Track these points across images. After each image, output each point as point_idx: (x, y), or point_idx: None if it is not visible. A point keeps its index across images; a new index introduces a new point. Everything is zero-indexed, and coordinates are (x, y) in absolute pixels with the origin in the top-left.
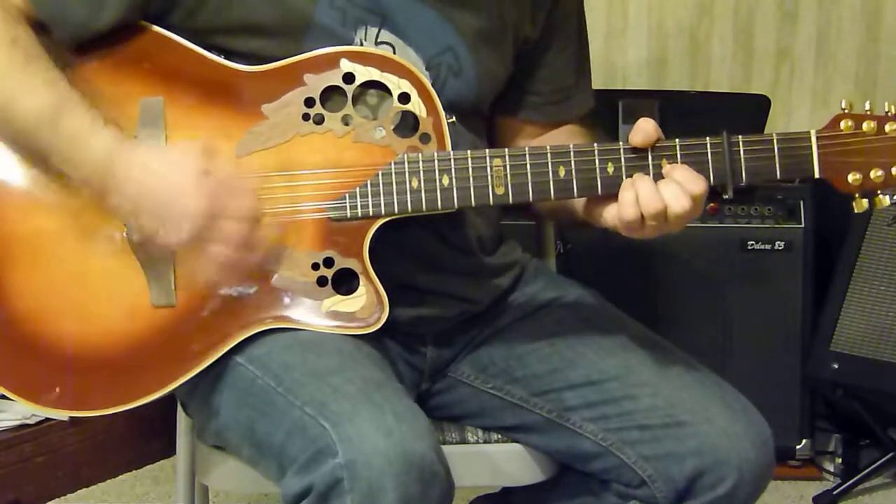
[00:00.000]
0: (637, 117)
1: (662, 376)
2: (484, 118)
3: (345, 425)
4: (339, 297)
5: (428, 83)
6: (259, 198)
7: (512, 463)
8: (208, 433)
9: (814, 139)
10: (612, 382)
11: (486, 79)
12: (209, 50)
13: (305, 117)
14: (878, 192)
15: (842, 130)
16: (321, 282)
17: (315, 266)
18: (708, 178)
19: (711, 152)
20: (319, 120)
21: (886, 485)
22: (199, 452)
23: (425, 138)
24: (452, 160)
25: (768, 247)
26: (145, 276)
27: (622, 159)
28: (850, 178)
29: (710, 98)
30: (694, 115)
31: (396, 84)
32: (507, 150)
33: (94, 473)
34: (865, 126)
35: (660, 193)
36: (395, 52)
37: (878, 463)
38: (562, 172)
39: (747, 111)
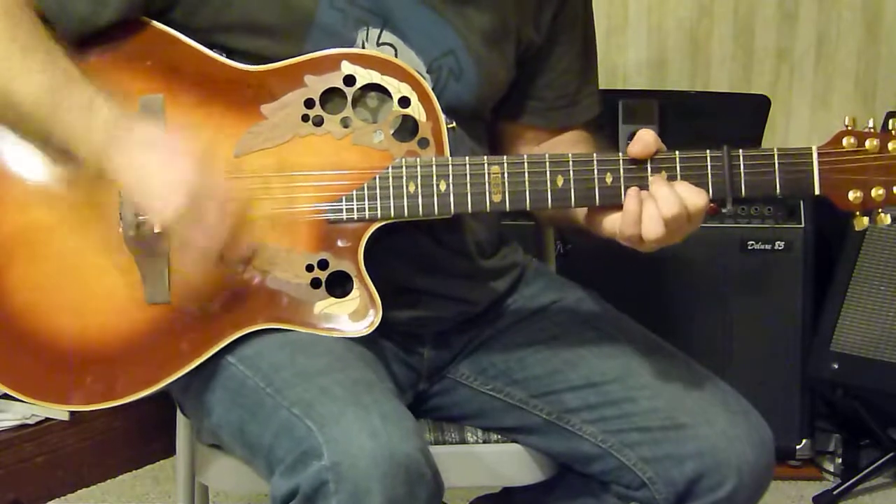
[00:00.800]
0: (637, 117)
1: (662, 378)
2: (485, 123)
3: (331, 426)
4: (332, 299)
5: (429, 88)
6: (256, 198)
7: (512, 463)
8: (205, 432)
9: (815, 155)
10: (613, 384)
11: (488, 83)
12: (210, 48)
13: (305, 118)
14: (880, 210)
15: (844, 147)
16: (315, 284)
17: (309, 268)
18: (707, 191)
19: (711, 165)
20: (319, 121)
21: (886, 485)
22: (198, 452)
23: (424, 143)
24: (450, 166)
25: (768, 247)
26: (140, 274)
27: (621, 170)
28: (851, 195)
29: (710, 98)
30: (694, 115)
31: (397, 88)
32: (505, 157)
33: (94, 473)
34: (868, 144)
35: (661, 217)
36: (396, 54)
37: (878, 463)
38: (560, 182)
39: (747, 111)
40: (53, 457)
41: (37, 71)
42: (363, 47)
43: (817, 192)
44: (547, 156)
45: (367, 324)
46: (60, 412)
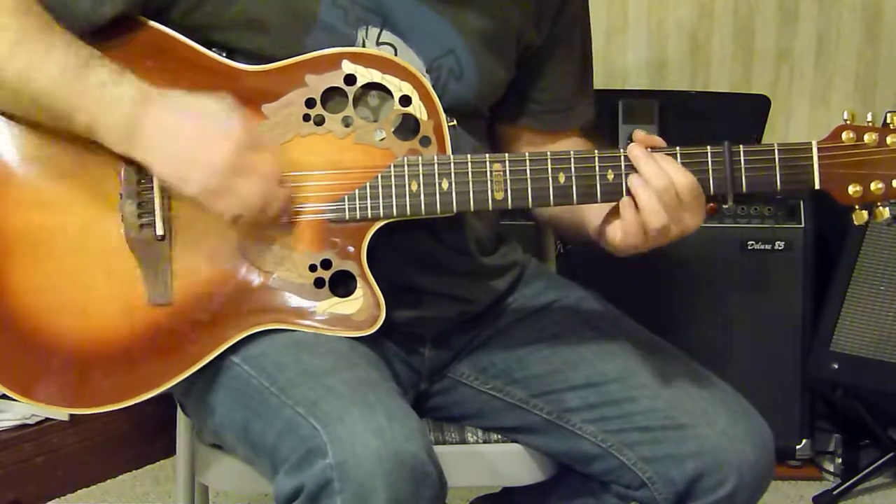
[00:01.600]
0: (637, 117)
1: (663, 378)
2: (485, 122)
3: (335, 425)
4: (336, 299)
5: (430, 86)
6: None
7: (512, 463)
8: (206, 432)
9: (815, 150)
10: (613, 384)
11: (487, 82)
12: (209, 47)
13: (306, 118)
14: (878, 203)
15: (843, 142)
16: (318, 283)
17: (312, 267)
18: (708, 186)
19: (712, 161)
20: (320, 121)
21: (886, 485)
22: (199, 452)
23: (425, 141)
24: (452, 164)
25: (768, 247)
26: (143, 275)
27: (622, 166)
28: (851, 189)
29: (710, 98)
30: (694, 116)
31: (398, 86)
32: (507, 154)
33: (94, 473)
34: (867, 138)
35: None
36: (396, 54)
37: (878, 463)
38: (561, 178)
39: (747, 111)
40: (53, 457)
41: (57, 53)
42: (363, 46)
43: (817, 186)
44: (549, 153)
45: (371, 323)
46: (60, 412)
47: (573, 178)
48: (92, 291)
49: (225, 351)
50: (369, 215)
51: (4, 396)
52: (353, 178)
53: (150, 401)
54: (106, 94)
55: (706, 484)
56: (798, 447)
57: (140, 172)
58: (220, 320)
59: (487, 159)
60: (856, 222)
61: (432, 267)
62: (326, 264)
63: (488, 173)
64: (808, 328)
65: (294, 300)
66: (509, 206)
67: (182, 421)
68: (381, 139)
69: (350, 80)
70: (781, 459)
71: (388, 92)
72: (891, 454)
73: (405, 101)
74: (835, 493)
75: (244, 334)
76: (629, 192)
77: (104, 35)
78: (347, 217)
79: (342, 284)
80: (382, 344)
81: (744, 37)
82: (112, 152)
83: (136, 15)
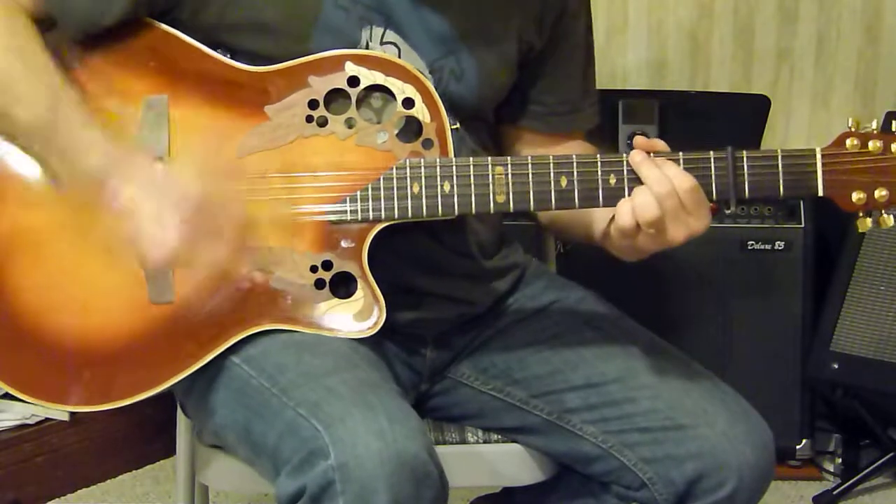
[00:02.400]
0: (637, 117)
1: (663, 379)
2: (488, 125)
3: (337, 427)
4: (336, 300)
5: (433, 89)
6: (259, 199)
7: (512, 463)
8: (207, 432)
9: (819, 157)
10: (613, 385)
11: (489, 84)
12: (214, 48)
13: (309, 119)
14: (883, 211)
15: (847, 148)
16: (319, 284)
17: (313, 268)
18: (710, 192)
19: (715, 167)
20: (323, 122)
21: (886, 485)
22: (199, 452)
23: (428, 144)
24: (454, 167)
25: (768, 247)
26: (144, 274)
27: (625, 171)
28: (854, 197)
29: (710, 98)
30: (694, 116)
31: (401, 89)
32: (509, 158)
33: (94, 473)
34: (871, 145)
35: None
36: (399, 53)
37: (878, 463)
38: (563, 182)
39: (747, 111)
40: (53, 457)
41: (36, 86)
42: (367, 47)
43: (821, 193)
44: (551, 157)
45: (371, 324)
46: (60, 412)
47: (575, 182)
48: (93, 290)
49: (225, 351)
50: (371, 217)
51: (5, 396)
52: (355, 179)
53: (150, 401)
54: (74, 140)
55: (706, 485)
56: (798, 447)
57: None
58: (221, 320)
59: (490, 162)
60: (859, 230)
61: (433, 269)
62: (327, 265)
63: (490, 176)
64: (808, 328)
65: (295, 301)
66: (511, 210)
67: (182, 421)
68: (384, 141)
69: (353, 81)
70: (781, 459)
71: (392, 94)
72: (891, 454)
73: (408, 103)
74: (835, 493)
75: (244, 334)
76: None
77: (107, 36)
78: (349, 218)
79: (343, 286)
80: (383, 345)
81: (744, 37)
82: None
83: (142, 17)
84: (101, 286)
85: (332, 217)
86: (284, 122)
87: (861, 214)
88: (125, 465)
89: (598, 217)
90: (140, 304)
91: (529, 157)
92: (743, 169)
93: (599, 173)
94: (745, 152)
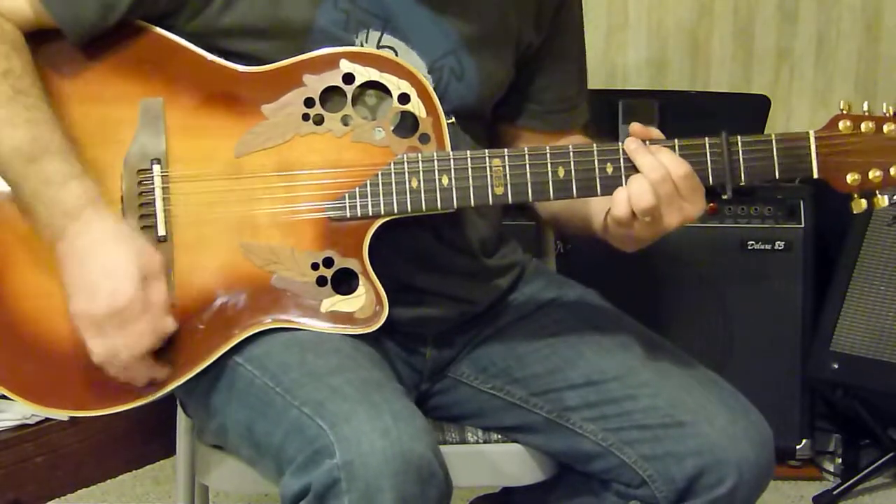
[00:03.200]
0: (637, 117)
1: (662, 376)
2: (485, 123)
3: (342, 426)
4: (338, 297)
5: (428, 84)
6: (258, 198)
7: (512, 463)
8: (208, 433)
9: (812, 139)
10: (613, 382)
11: (489, 83)
12: (210, 52)
13: (305, 118)
14: (877, 192)
15: (840, 131)
16: (320, 282)
17: (314, 266)
18: (707, 178)
19: (710, 152)
20: (319, 120)
21: (886, 485)
22: (199, 452)
23: (424, 138)
24: (452, 160)
25: (768, 247)
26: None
27: (621, 160)
28: (849, 178)
29: (710, 98)
30: (694, 116)
31: (396, 85)
32: (506, 150)
33: (94, 473)
34: (864, 126)
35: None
36: (396, 56)
37: (878, 463)
38: (561, 173)
39: (747, 111)
40: (53, 457)
41: (17, 132)
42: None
43: (815, 175)
44: (548, 148)
45: (374, 320)
46: (61, 413)
47: (572, 172)
48: None
49: (228, 351)
50: (370, 212)
51: (5, 396)
52: (353, 176)
53: (150, 402)
54: (46, 195)
55: (706, 481)
56: (798, 447)
57: (141, 174)
58: (223, 320)
59: (487, 155)
60: (854, 211)
61: (435, 266)
62: (328, 262)
63: (488, 168)
64: (808, 328)
65: (296, 299)
66: (509, 201)
67: (182, 421)
68: (381, 137)
69: (348, 79)
70: (781, 459)
71: (387, 90)
72: (891, 454)
73: (403, 98)
74: (835, 493)
75: (247, 334)
76: None
77: (103, 40)
78: (348, 215)
79: (344, 282)
80: (384, 344)
81: (744, 37)
82: (112, 156)
83: (139, 20)
84: None
85: (332, 214)
86: (281, 121)
87: (856, 196)
88: (125, 465)
89: (596, 209)
90: None
91: (526, 149)
92: (738, 154)
93: (596, 162)
94: (739, 137)
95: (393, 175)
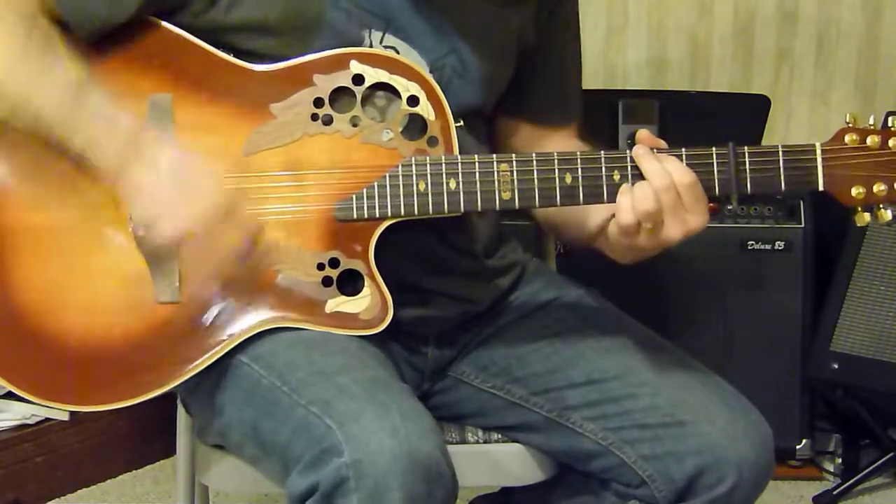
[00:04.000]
0: (637, 117)
1: (662, 376)
2: (486, 122)
3: (350, 425)
4: (343, 297)
5: (437, 87)
6: (265, 197)
7: (512, 463)
8: (211, 432)
9: (819, 152)
10: (613, 382)
11: (491, 81)
12: (219, 48)
13: (314, 117)
14: (881, 205)
15: (846, 144)
16: (326, 282)
17: (320, 266)
18: (713, 187)
19: (717, 162)
20: (328, 120)
21: (886, 485)
22: (199, 452)
23: (433, 141)
24: (460, 164)
25: (768, 247)
26: (150, 273)
27: (629, 167)
28: (854, 191)
29: (710, 98)
30: (694, 116)
31: (405, 87)
32: (514, 155)
33: (94, 473)
34: (870, 140)
35: (653, 186)
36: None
37: (878, 463)
38: (568, 179)
39: (747, 111)
40: (53, 457)
41: (56, 77)
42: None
43: (821, 188)
44: (556, 153)
45: (378, 321)
46: (60, 412)
47: (580, 179)
48: (99, 289)
49: (232, 350)
50: (377, 214)
51: (5, 396)
52: (361, 177)
53: (150, 400)
54: (99, 127)
55: (705, 481)
56: (798, 447)
57: None
58: (228, 319)
59: (495, 159)
60: (857, 224)
61: (438, 267)
62: (334, 263)
63: (495, 173)
64: (808, 328)
65: (301, 299)
66: (516, 207)
67: (182, 421)
68: (389, 139)
69: (358, 80)
70: (781, 459)
71: (395, 92)
72: (891, 454)
73: (413, 101)
74: (835, 493)
75: (251, 333)
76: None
77: (113, 35)
78: (355, 216)
79: (350, 283)
80: (388, 344)
81: (744, 37)
82: None
83: (149, 16)
84: (108, 286)
85: (339, 214)
86: (290, 120)
87: (860, 209)
88: (125, 465)
89: (593, 216)
90: (147, 304)
91: (534, 154)
92: (744, 164)
93: (604, 170)
94: (746, 148)
95: (401, 177)
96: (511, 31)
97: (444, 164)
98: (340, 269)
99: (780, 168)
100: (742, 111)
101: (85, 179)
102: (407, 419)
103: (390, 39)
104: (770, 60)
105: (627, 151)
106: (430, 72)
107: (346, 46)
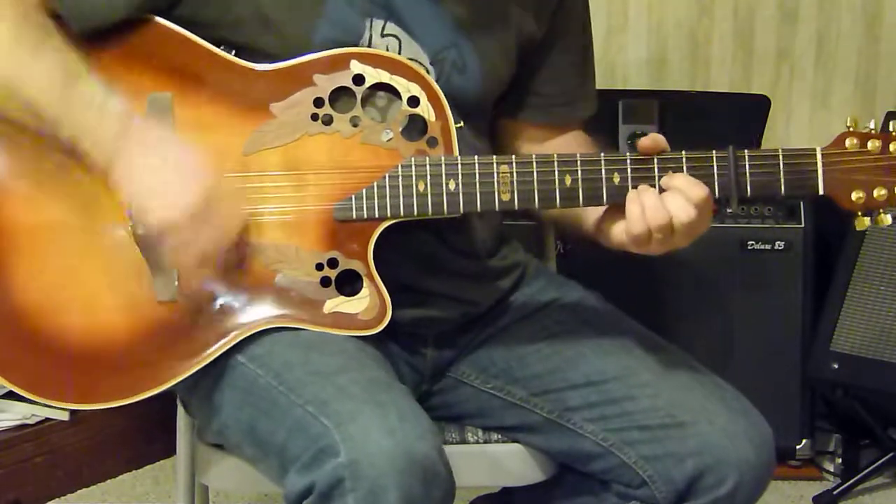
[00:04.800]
0: (637, 117)
1: (663, 377)
2: (487, 121)
3: (347, 425)
4: (342, 298)
5: (438, 88)
6: (264, 196)
7: (512, 463)
8: (209, 432)
9: (819, 156)
10: (613, 383)
11: (490, 76)
12: (216, 44)
13: (314, 117)
14: (881, 210)
15: (847, 148)
16: (325, 282)
17: (319, 266)
18: (713, 190)
19: (717, 166)
20: (328, 120)
21: (886, 485)
22: (199, 452)
23: (433, 142)
24: (459, 165)
25: (768, 247)
26: (149, 272)
27: (628, 169)
28: (854, 196)
29: (710, 98)
30: (694, 116)
31: (406, 87)
32: (514, 156)
33: (94, 473)
34: (870, 145)
35: (664, 204)
36: (400, 45)
37: (878, 463)
38: (568, 181)
39: (747, 111)
40: (53, 457)
41: (47, 64)
42: (370, 39)
43: (821, 192)
44: (555, 155)
45: (377, 321)
46: (60, 412)
47: (579, 181)
48: (98, 288)
49: (230, 350)
50: (376, 215)
51: (5, 396)
52: (361, 177)
53: (150, 400)
54: (91, 115)
55: (706, 482)
56: (798, 447)
57: None
58: (226, 318)
59: (494, 161)
60: (857, 228)
61: (437, 268)
62: (333, 263)
63: (495, 175)
64: (808, 328)
65: (300, 299)
66: (515, 208)
67: (182, 420)
68: (389, 139)
69: (358, 80)
70: (781, 459)
71: (396, 93)
72: (891, 454)
73: (413, 101)
74: (835, 493)
75: (250, 332)
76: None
77: (111, 32)
78: (355, 216)
79: (348, 284)
80: (387, 345)
81: (744, 37)
82: None
83: (146, 12)
84: (107, 285)
85: (338, 215)
86: (290, 119)
87: (860, 213)
88: (125, 465)
89: (591, 212)
90: (145, 303)
91: (534, 156)
92: (745, 168)
93: (603, 172)
94: (746, 151)
95: (400, 178)
96: (511, 25)
97: (443, 165)
98: (339, 269)
99: (780, 172)
100: (742, 111)
101: (79, 173)
102: (404, 420)
103: (392, 28)
104: (770, 60)
105: (627, 154)
106: (431, 64)
107: (346, 35)
